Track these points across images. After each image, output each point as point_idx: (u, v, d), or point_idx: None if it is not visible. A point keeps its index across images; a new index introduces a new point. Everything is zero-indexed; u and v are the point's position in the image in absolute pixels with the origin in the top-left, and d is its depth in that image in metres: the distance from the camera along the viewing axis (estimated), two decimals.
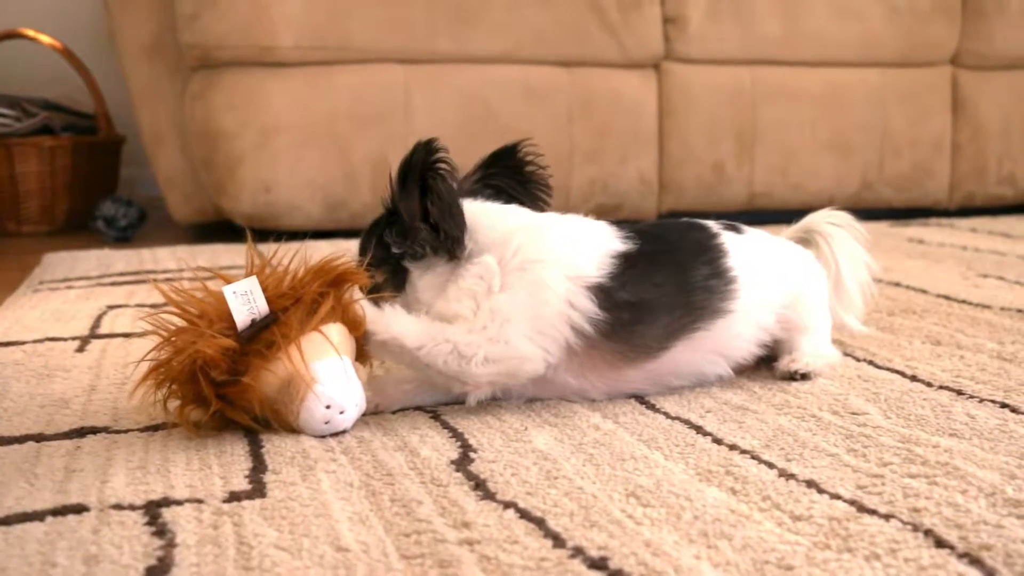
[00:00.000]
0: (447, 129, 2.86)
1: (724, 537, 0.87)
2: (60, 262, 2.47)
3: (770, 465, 1.05)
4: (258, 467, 1.06)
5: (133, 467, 1.07)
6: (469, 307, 1.22)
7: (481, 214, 1.27)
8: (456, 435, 1.16)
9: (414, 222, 1.24)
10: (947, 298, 1.89)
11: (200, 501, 0.98)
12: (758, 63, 3.17)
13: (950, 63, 3.35)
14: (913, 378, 1.37)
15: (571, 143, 3.02)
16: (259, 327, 1.15)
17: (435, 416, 1.24)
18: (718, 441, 1.13)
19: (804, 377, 1.36)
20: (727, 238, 1.35)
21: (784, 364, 1.37)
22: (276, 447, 1.12)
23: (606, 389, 1.28)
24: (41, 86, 3.42)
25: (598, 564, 0.83)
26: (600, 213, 1.37)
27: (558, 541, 0.87)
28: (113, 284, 2.18)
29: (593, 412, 1.24)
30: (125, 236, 3.06)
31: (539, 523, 0.91)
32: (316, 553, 0.86)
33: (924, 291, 1.96)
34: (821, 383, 1.35)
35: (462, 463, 1.07)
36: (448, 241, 1.23)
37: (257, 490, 1.00)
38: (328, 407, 1.14)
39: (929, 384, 1.33)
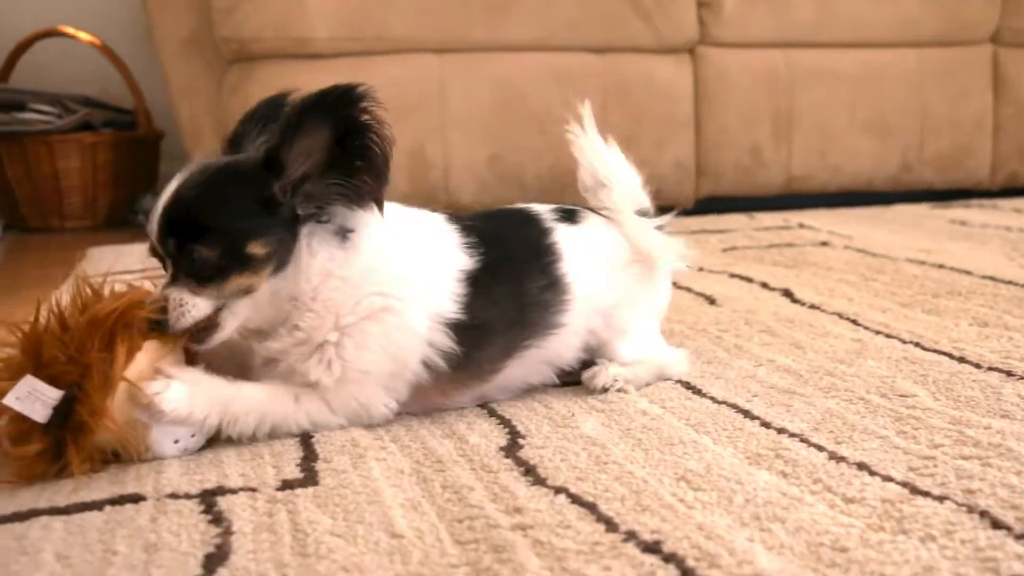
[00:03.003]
0: (482, 117, 2.86)
1: (777, 520, 0.87)
2: (104, 256, 2.50)
3: (820, 448, 1.04)
4: (309, 456, 1.07)
5: (186, 458, 1.08)
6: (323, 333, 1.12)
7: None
8: (503, 422, 1.17)
9: (320, 168, 1.07)
10: (992, 279, 1.86)
11: (254, 490, 0.99)
12: (794, 46, 3.14)
13: (990, 41, 3.30)
14: (961, 360, 1.35)
15: (606, 129, 3.00)
16: (64, 411, 1.05)
17: (481, 404, 1.24)
18: (766, 425, 1.13)
19: (620, 391, 1.27)
20: (561, 235, 1.28)
21: (589, 380, 1.28)
22: (326, 436, 1.13)
23: (420, 408, 1.21)
24: (81, 83, 3.45)
25: (652, 548, 0.83)
26: None
27: (611, 525, 0.87)
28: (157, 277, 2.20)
29: (640, 397, 1.24)
30: None
31: (591, 508, 0.91)
32: (371, 539, 0.87)
33: (968, 272, 1.94)
34: (868, 365, 1.34)
35: (511, 449, 1.08)
36: (370, 188, 1.06)
37: (309, 478, 1.01)
38: (176, 441, 1.09)
39: (978, 366, 1.32)
